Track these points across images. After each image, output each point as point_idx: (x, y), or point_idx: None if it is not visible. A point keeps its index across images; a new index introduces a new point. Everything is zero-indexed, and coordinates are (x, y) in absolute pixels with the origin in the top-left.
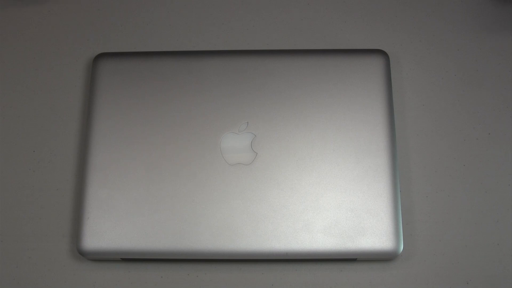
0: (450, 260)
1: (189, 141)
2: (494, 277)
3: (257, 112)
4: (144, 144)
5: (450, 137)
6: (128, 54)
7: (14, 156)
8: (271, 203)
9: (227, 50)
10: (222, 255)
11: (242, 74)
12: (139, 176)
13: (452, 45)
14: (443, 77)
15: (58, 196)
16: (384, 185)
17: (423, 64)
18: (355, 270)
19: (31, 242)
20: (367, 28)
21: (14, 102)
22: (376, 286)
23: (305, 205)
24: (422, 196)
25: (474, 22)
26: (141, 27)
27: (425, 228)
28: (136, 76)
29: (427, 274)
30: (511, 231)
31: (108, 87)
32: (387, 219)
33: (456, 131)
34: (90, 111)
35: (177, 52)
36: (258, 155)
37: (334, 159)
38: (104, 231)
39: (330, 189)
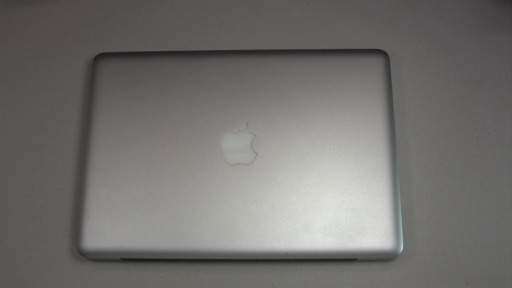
0: (450, 260)
1: (189, 141)
2: (494, 277)
3: (257, 112)
4: (144, 144)
5: (450, 137)
6: (128, 54)
7: (14, 156)
8: (271, 203)
9: (227, 50)
10: (222, 255)
11: (242, 74)
12: (139, 176)
13: (452, 45)
14: (443, 77)
15: (58, 196)
16: (384, 185)
17: (423, 64)
18: (355, 270)
19: (31, 242)
20: (367, 28)
21: (14, 102)
22: (376, 286)
23: (305, 205)
24: (422, 196)
25: (474, 22)
26: (141, 27)
27: (425, 228)
28: (136, 76)
29: (427, 274)
30: (511, 231)
31: (108, 87)
32: (387, 219)
33: (456, 131)
34: (90, 111)
35: (177, 52)
36: (258, 155)
37: (334, 159)
38: (104, 231)
39: (330, 189)
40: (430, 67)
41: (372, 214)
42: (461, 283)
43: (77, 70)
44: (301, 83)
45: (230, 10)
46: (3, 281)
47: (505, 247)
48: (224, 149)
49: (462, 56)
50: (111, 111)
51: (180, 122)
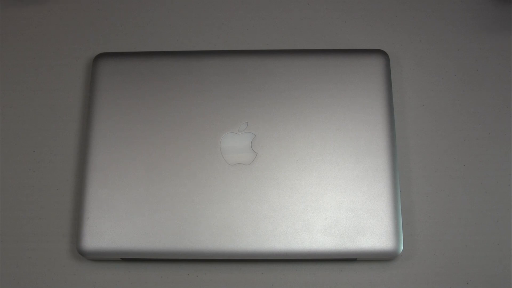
0: (450, 260)
1: (189, 141)
2: (494, 277)
3: (257, 112)
4: (144, 144)
5: (450, 137)
6: (128, 54)
7: (14, 156)
8: (271, 203)
9: (227, 50)
10: (222, 255)
11: (242, 74)
12: (139, 176)
13: (452, 45)
14: (443, 77)
15: (58, 196)
16: (384, 185)
17: (423, 64)
18: (355, 270)
19: (31, 242)
20: (367, 28)
21: (14, 102)
22: (376, 286)
23: (305, 205)
24: (422, 196)
25: (474, 22)
26: (141, 27)
27: (425, 228)
28: (136, 76)
29: (427, 274)
30: (511, 231)
31: (108, 87)
32: (387, 219)
33: (456, 131)
34: (90, 111)
35: (177, 52)
36: (258, 155)
37: (334, 159)
38: (104, 231)
39: (330, 189)
40: (430, 67)
41: (372, 214)
42: (461, 283)
43: (77, 70)
44: (301, 83)
45: (230, 10)
46: (3, 281)
47: (505, 247)
48: (224, 149)
49: (462, 56)
50: (111, 111)
51: (180, 122)
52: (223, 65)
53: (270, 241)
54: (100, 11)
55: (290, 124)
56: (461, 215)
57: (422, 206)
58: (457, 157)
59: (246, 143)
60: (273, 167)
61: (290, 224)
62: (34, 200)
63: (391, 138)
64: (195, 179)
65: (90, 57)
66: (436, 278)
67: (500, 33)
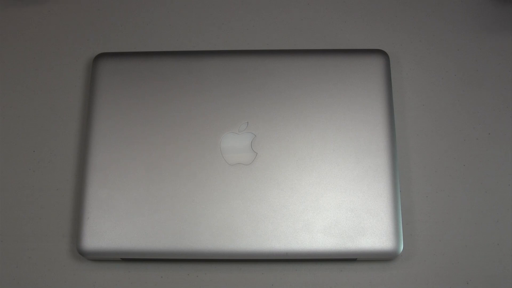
0: (450, 260)
1: (189, 141)
2: (494, 277)
3: (257, 112)
4: (144, 144)
5: (450, 137)
6: (128, 54)
7: (14, 156)
8: (271, 203)
9: (227, 50)
10: (222, 255)
11: (242, 74)
12: (139, 176)
13: (452, 45)
14: (443, 77)
15: (58, 196)
16: (384, 185)
17: (423, 64)
18: (355, 270)
19: (31, 242)
20: (367, 28)
21: (14, 102)
22: (376, 286)
23: (305, 205)
24: (422, 196)
25: (474, 22)
26: (141, 27)
27: (425, 228)
28: (136, 76)
29: (427, 274)
30: (511, 231)
31: (108, 87)
32: (387, 219)
33: (456, 131)
34: (90, 111)
35: (177, 52)
36: (258, 155)
37: (334, 159)
38: (104, 231)
39: (330, 189)
40: (430, 67)
41: (372, 214)
42: (461, 283)
43: (77, 70)
44: (301, 83)
45: (230, 10)
46: (3, 281)
47: (505, 247)
48: (224, 149)
49: (462, 56)
50: (111, 111)
51: (180, 122)
52: (223, 65)
53: (270, 241)
54: (100, 11)
55: (290, 124)
56: (461, 215)
57: (422, 206)
58: (457, 157)
59: (246, 143)
60: (273, 167)
61: (290, 224)
62: (34, 200)
63: (391, 138)
64: (195, 179)
65: (90, 57)
66: (436, 278)
67: (500, 33)
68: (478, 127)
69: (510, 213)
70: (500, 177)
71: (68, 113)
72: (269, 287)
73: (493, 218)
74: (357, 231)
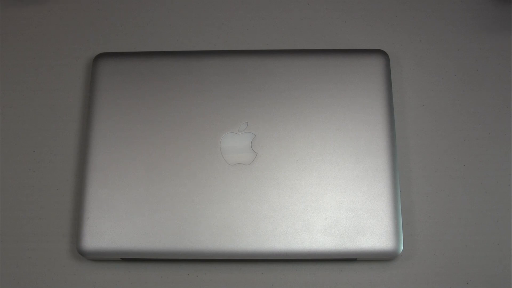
0: (450, 260)
1: (189, 141)
2: (494, 277)
3: (257, 112)
4: (144, 144)
5: (450, 137)
6: (128, 54)
7: (14, 156)
8: (271, 203)
9: (227, 50)
10: (222, 255)
11: (242, 74)
12: (139, 176)
13: (452, 45)
14: (443, 77)
15: (58, 196)
16: (384, 185)
17: (423, 64)
18: (355, 270)
19: (31, 242)
20: (367, 28)
21: (14, 102)
22: (376, 286)
23: (305, 205)
24: (422, 196)
25: (474, 22)
26: (141, 27)
27: (425, 228)
28: (136, 76)
29: (427, 274)
30: (511, 231)
31: (108, 87)
32: (387, 219)
33: (456, 131)
34: (90, 111)
35: (177, 52)
36: (258, 155)
37: (334, 159)
38: (104, 231)
39: (330, 189)
40: (430, 67)
41: (372, 214)
42: (461, 283)
43: (77, 70)
44: (301, 83)
45: (230, 10)
46: (3, 281)
47: (505, 247)
48: (224, 149)
49: (462, 56)
50: (111, 111)
51: (180, 122)
52: (223, 65)
53: (270, 241)
54: (100, 11)
55: (290, 124)
56: (461, 215)
57: (422, 206)
58: (457, 157)
59: (246, 143)
60: (273, 167)
61: (290, 224)
62: (34, 200)
63: (391, 138)
64: (195, 179)
65: (90, 57)
66: (436, 278)
67: (500, 33)
68: (478, 127)
69: (510, 213)
70: (500, 177)
71: (68, 113)
72: (269, 287)
73: (493, 218)
74: (357, 231)
